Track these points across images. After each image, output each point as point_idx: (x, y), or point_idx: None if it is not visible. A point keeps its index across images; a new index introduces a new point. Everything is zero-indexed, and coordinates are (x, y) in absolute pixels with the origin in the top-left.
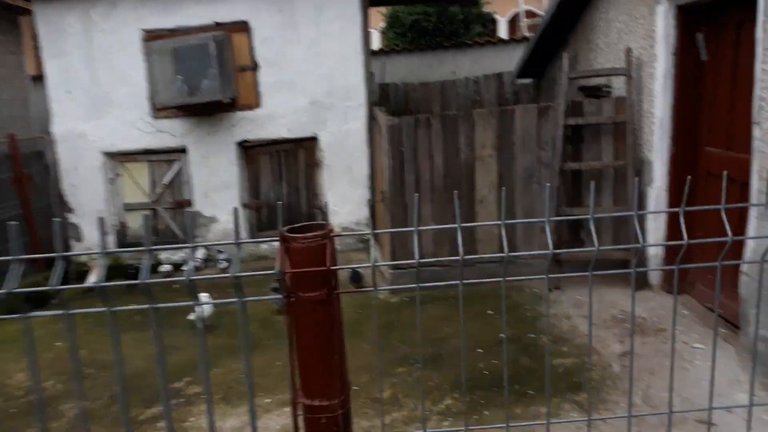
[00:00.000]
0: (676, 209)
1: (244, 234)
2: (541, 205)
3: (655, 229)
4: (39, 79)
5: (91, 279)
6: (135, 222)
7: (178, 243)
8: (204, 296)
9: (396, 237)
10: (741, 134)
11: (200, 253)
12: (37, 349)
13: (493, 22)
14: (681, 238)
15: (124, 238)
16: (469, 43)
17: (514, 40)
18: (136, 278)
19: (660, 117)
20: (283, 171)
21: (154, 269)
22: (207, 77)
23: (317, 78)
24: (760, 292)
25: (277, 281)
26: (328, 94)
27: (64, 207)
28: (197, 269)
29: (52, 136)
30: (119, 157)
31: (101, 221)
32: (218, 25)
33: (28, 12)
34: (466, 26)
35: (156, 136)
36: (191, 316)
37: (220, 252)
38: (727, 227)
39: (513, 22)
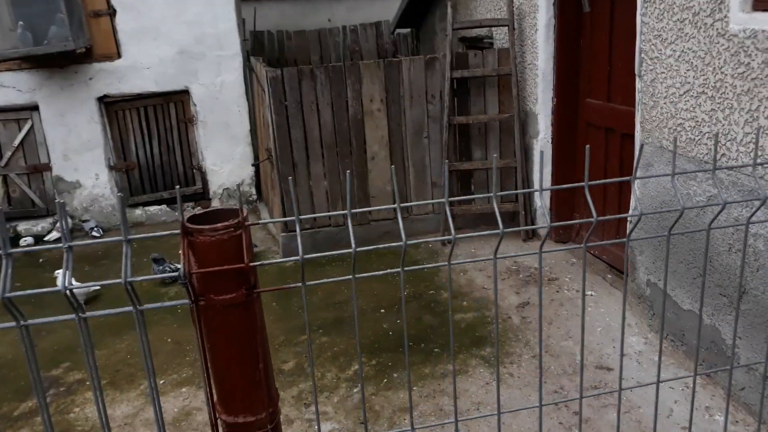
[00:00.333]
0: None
1: (113, 199)
2: (433, 159)
3: (542, 180)
4: None
5: None
6: None
7: (37, 212)
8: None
9: (287, 197)
10: (621, 86)
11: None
12: None
13: None
14: (567, 189)
15: None
16: None
17: None
18: None
19: (543, 69)
20: (152, 128)
21: (13, 242)
22: (54, 23)
23: (183, 24)
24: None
25: (158, 255)
26: (197, 42)
27: None
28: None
29: None
30: None
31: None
32: None
33: None
34: None
35: None
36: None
37: (84, 221)
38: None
39: None
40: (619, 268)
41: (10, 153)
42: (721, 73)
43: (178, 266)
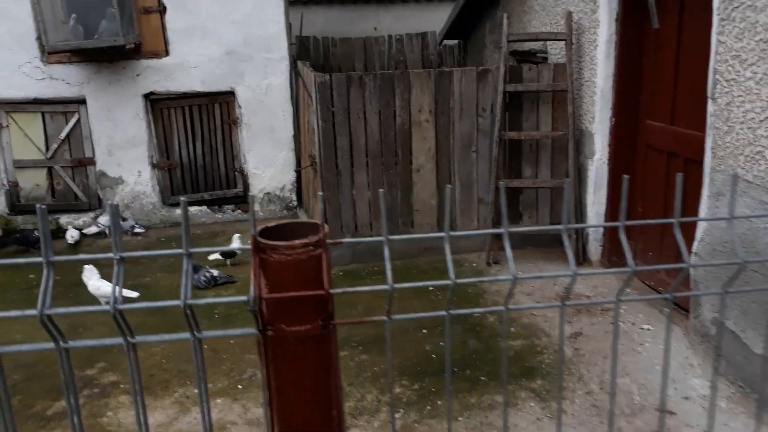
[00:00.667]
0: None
1: (154, 197)
2: (481, 174)
3: (596, 203)
4: None
5: None
6: (28, 182)
7: (80, 205)
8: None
9: (329, 206)
10: (687, 108)
11: (104, 219)
12: None
13: None
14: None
15: (16, 200)
16: None
17: None
18: (34, 245)
19: (601, 86)
20: (196, 128)
21: (56, 235)
22: (105, 17)
23: (232, 24)
24: None
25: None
26: (245, 43)
27: None
28: (102, 235)
29: None
30: (4, 107)
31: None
32: None
33: None
34: None
35: (48, 84)
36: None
37: (124, 220)
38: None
39: None
40: (681, 303)
41: (56, 145)
42: None
43: (214, 273)
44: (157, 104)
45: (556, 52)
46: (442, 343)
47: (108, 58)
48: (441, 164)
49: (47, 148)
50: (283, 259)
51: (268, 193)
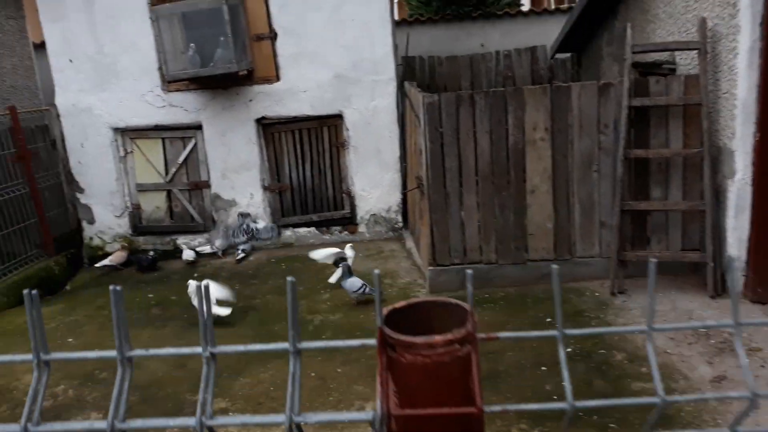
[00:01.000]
0: None
1: (266, 219)
2: (603, 196)
3: (738, 228)
4: (43, 46)
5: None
6: (149, 204)
7: (195, 227)
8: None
9: (436, 229)
10: None
11: (218, 243)
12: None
13: None
14: None
15: (138, 222)
16: (498, 14)
17: (546, 11)
18: (153, 266)
19: (743, 99)
20: (306, 151)
21: (173, 255)
22: (220, 46)
23: (341, 49)
24: None
25: (344, 267)
26: (353, 67)
27: (74, 186)
28: (216, 256)
29: (57, 108)
30: (129, 134)
31: None
32: None
33: None
34: None
35: (168, 111)
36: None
37: (238, 244)
38: None
39: None
40: None
41: (174, 169)
42: None
43: (258, 226)
44: (268, 128)
45: (686, 62)
46: (564, 383)
47: (222, 84)
48: (558, 185)
49: (167, 172)
50: (419, 361)
51: (374, 215)
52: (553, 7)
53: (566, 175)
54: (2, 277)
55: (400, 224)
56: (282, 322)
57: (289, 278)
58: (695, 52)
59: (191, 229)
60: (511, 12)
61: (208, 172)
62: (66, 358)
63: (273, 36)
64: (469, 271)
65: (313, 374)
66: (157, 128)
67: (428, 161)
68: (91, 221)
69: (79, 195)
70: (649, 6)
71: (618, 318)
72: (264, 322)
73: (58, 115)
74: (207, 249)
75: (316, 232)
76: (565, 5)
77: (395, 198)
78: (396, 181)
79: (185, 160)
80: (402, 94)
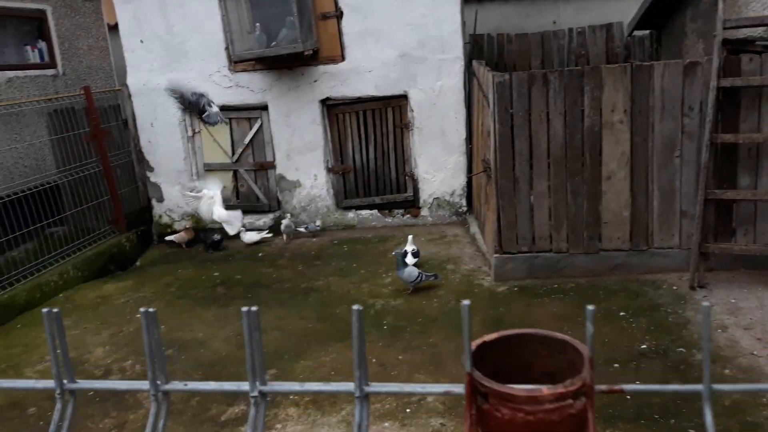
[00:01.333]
0: None
1: (329, 201)
2: (685, 183)
3: None
4: (116, 27)
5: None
6: None
7: (260, 207)
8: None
9: (504, 215)
10: None
11: (285, 223)
12: (117, 323)
13: None
14: None
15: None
16: None
17: None
18: (218, 245)
19: None
20: (369, 133)
21: (237, 234)
22: (286, 25)
23: (407, 26)
24: None
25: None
26: (419, 46)
27: (144, 165)
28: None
29: (128, 88)
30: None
31: None
32: None
33: None
34: None
35: (235, 91)
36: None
37: (304, 224)
38: None
39: None
40: None
41: (240, 150)
42: None
43: (212, 110)
44: (332, 109)
45: None
46: (638, 382)
47: (288, 64)
48: (636, 171)
49: (233, 152)
50: (519, 418)
51: (437, 198)
52: None
53: (646, 160)
54: (77, 252)
55: (464, 208)
56: (343, 305)
57: (355, 307)
58: None
59: (256, 208)
60: None
61: (274, 153)
62: (93, 388)
63: (339, 14)
64: (590, 308)
65: (374, 360)
66: (224, 108)
67: (497, 144)
68: (161, 199)
69: (149, 173)
70: None
71: (697, 314)
72: (326, 304)
73: (129, 95)
74: (253, 236)
75: (378, 214)
76: None
77: (460, 181)
78: (461, 164)
79: (251, 140)
80: (469, 74)
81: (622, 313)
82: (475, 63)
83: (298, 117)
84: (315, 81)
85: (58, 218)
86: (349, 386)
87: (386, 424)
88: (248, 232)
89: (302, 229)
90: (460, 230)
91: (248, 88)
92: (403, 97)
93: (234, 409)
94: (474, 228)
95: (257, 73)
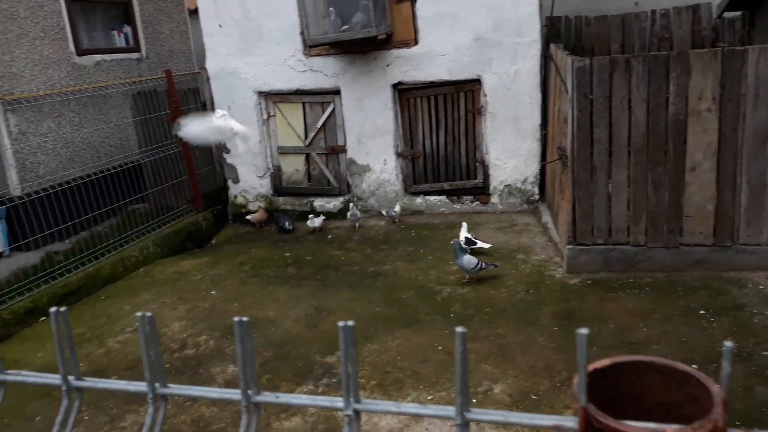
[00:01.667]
0: None
1: (397, 186)
2: None
3: None
4: (196, 12)
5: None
6: (289, 166)
7: (331, 190)
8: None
9: (579, 205)
10: None
11: (351, 212)
12: (193, 298)
13: None
14: None
15: (278, 183)
16: None
17: None
18: (290, 229)
19: None
20: (441, 118)
21: (305, 217)
22: (360, 9)
23: (482, 9)
24: None
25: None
26: (494, 28)
27: (221, 147)
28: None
29: (207, 72)
30: (272, 97)
31: None
32: None
33: None
34: None
35: (309, 76)
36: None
37: (384, 210)
38: None
39: None
40: None
41: (313, 133)
42: None
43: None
44: (404, 94)
45: None
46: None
47: (361, 49)
48: (724, 162)
49: (306, 136)
50: None
51: (508, 185)
52: None
53: (735, 151)
54: (156, 228)
55: (536, 197)
56: (410, 290)
57: (458, 329)
58: None
59: (327, 192)
60: None
61: (345, 137)
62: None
63: None
64: (728, 344)
65: (440, 348)
66: (298, 92)
67: (574, 131)
68: (236, 180)
69: (225, 155)
70: None
71: None
72: (393, 288)
73: (207, 78)
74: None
75: (447, 200)
76: None
77: (532, 169)
78: (534, 151)
79: (323, 124)
80: (545, 58)
81: (702, 312)
82: (552, 47)
83: (370, 101)
84: (387, 65)
85: (140, 196)
86: (449, 411)
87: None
88: (313, 219)
89: (383, 213)
90: (531, 219)
91: (322, 73)
92: (477, 82)
93: (302, 388)
94: (546, 217)
95: (331, 57)
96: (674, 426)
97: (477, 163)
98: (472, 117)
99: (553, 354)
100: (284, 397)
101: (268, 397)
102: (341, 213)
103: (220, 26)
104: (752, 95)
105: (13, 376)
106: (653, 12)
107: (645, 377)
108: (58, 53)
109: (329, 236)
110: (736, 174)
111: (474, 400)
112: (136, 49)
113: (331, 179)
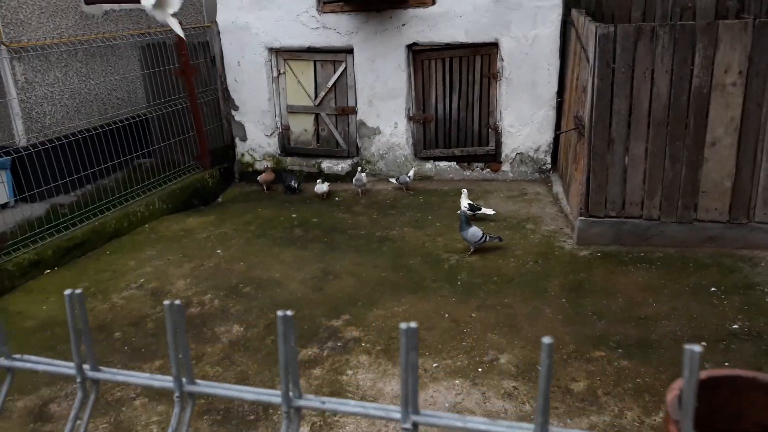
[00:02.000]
0: None
1: (407, 150)
2: None
3: None
4: None
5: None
6: (298, 126)
7: (340, 152)
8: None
9: (594, 176)
10: None
11: (356, 177)
12: (198, 257)
13: None
14: None
15: (286, 143)
16: None
17: None
18: (297, 189)
19: None
20: (455, 82)
21: (312, 178)
22: None
23: None
24: None
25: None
26: None
27: (230, 103)
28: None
29: (217, 25)
30: (283, 54)
31: None
32: None
33: None
34: None
35: (321, 33)
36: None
37: (395, 176)
38: None
39: None
40: None
41: (323, 93)
42: None
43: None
44: (418, 55)
45: None
46: (726, 363)
47: (376, 7)
48: (745, 138)
49: (316, 96)
50: None
51: (520, 153)
52: None
53: (757, 127)
54: (162, 184)
55: (548, 166)
56: (417, 257)
57: (545, 339)
58: None
59: (336, 154)
60: None
61: (356, 98)
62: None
63: None
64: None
65: (446, 315)
66: (310, 50)
67: (593, 100)
68: (244, 138)
69: (234, 112)
70: None
71: None
72: (400, 254)
73: (218, 32)
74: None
75: (457, 167)
76: None
77: (546, 137)
78: (549, 119)
79: (334, 84)
80: (566, 23)
81: (713, 289)
82: (574, 12)
83: (383, 62)
84: (403, 25)
85: (146, 151)
86: (528, 429)
87: (457, 382)
88: (319, 184)
89: (393, 181)
90: (542, 188)
91: (335, 30)
92: (494, 45)
93: (307, 352)
94: (557, 187)
95: (345, 14)
96: None
97: (489, 130)
98: (488, 82)
99: (561, 326)
100: (331, 404)
101: (312, 401)
102: (349, 176)
103: None
104: None
105: (21, 362)
106: None
107: (746, 395)
108: (65, 1)
109: (336, 199)
110: (757, 151)
111: (479, 369)
112: None
113: (340, 141)
